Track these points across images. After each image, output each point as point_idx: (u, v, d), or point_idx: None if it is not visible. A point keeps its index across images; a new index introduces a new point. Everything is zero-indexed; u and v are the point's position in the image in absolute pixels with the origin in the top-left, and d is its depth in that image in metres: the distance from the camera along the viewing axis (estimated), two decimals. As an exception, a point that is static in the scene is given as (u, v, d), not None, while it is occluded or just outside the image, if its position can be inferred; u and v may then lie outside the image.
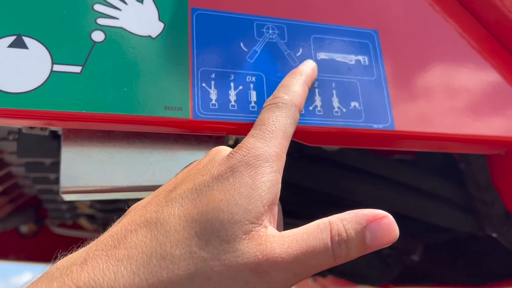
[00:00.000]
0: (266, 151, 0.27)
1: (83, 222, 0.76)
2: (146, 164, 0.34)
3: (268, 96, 0.35)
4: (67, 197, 0.33)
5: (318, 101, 0.36)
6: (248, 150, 0.27)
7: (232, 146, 0.37)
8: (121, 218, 0.27)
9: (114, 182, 0.33)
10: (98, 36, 0.33)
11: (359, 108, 0.37)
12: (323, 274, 0.82)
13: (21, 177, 0.60)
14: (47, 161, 0.46)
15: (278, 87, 0.33)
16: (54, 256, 0.25)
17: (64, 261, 0.24)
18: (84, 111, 0.31)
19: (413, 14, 0.43)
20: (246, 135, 0.35)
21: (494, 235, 0.56)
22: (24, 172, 0.55)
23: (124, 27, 0.34)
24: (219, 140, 0.36)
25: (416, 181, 0.55)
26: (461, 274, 0.68)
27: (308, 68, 0.35)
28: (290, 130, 0.30)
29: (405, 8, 0.43)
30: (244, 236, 0.24)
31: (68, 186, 0.32)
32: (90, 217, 0.75)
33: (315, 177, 0.53)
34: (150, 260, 0.23)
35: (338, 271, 0.80)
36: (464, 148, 0.42)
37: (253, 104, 0.35)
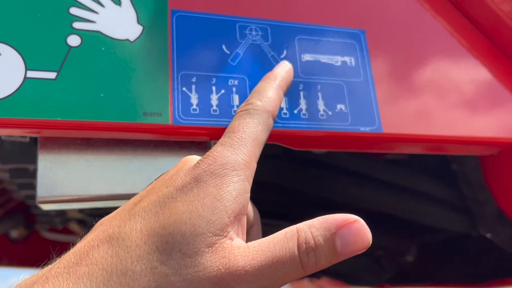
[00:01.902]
0: (234, 159, 0.27)
1: (74, 226, 0.75)
2: (125, 171, 0.33)
3: (251, 99, 0.34)
4: (45, 207, 0.32)
5: (303, 104, 0.35)
6: (215, 158, 0.26)
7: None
8: (87, 234, 0.26)
9: (93, 190, 0.32)
10: (74, 40, 0.32)
11: (345, 110, 0.36)
12: (317, 275, 0.82)
13: (7, 182, 0.59)
14: (31, 167, 0.45)
15: (251, 92, 0.32)
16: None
17: (28, 280, 0.23)
18: (59, 118, 0.30)
19: (401, 12, 0.42)
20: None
21: (488, 235, 0.55)
22: (9, 177, 0.54)
23: (101, 31, 0.33)
24: (202, 146, 0.35)
25: (409, 182, 0.54)
26: (456, 273, 0.67)
27: (283, 70, 0.34)
28: (262, 137, 0.29)
29: (392, 7, 0.42)
30: (207, 250, 0.23)
31: (44, 196, 0.31)
32: (81, 222, 0.74)
33: (305, 179, 0.52)
34: (111, 276, 0.22)
35: (333, 272, 0.79)
36: (455, 150, 0.41)
37: (235, 108, 0.34)
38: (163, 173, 0.29)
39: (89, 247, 0.24)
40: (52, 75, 0.30)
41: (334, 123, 0.35)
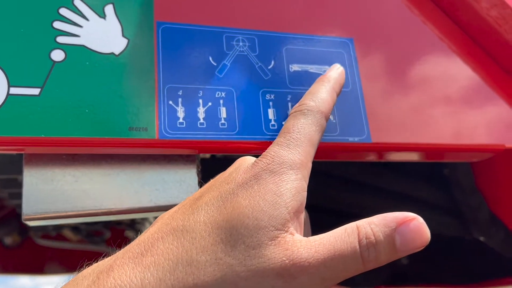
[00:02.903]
0: (291, 158, 0.27)
1: (67, 233, 0.75)
2: (113, 186, 0.33)
3: (239, 112, 0.34)
4: (31, 223, 0.32)
5: (291, 115, 0.35)
6: (272, 158, 0.27)
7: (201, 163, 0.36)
8: (149, 227, 0.27)
9: (79, 206, 0.32)
10: (57, 55, 0.31)
11: (334, 121, 0.36)
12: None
13: (-1, 191, 0.59)
14: (20, 177, 0.45)
15: (305, 94, 0.33)
16: (79, 266, 0.26)
17: (90, 269, 0.24)
18: (43, 135, 0.29)
19: (390, 19, 0.42)
20: (217, 152, 0.34)
21: (482, 238, 0.55)
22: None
23: (86, 45, 0.32)
24: (190, 158, 0.35)
25: (401, 188, 0.54)
26: (450, 274, 0.67)
27: (335, 73, 0.35)
28: (316, 138, 0.30)
29: (381, 14, 0.41)
30: (270, 242, 0.24)
31: (30, 213, 0.31)
32: (74, 228, 0.74)
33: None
34: (177, 266, 0.23)
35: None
36: (445, 158, 0.41)
37: (223, 121, 0.33)
38: (220, 173, 0.29)
39: (154, 239, 0.24)
40: (35, 91, 0.30)
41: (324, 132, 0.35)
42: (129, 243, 0.26)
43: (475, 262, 0.64)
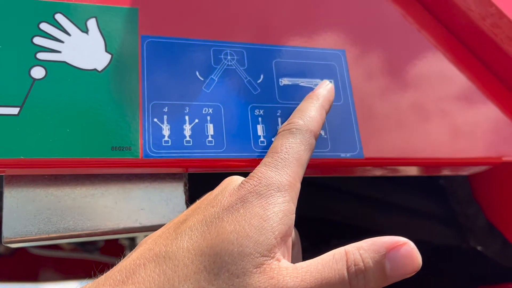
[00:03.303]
0: (278, 180, 0.26)
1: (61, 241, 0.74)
2: (96, 206, 0.32)
3: (227, 129, 0.33)
4: (13, 246, 0.31)
5: (281, 131, 0.34)
6: (259, 179, 0.26)
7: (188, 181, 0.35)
8: (131, 252, 0.26)
9: (61, 228, 0.31)
10: (38, 72, 0.30)
11: (325, 136, 0.35)
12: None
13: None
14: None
15: (294, 112, 0.32)
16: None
17: None
18: (23, 157, 0.28)
19: (383, 30, 0.40)
20: (204, 171, 0.33)
21: (479, 248, 0.55)
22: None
23: (67, 61, 0.31)
24: (177, 176, 0.34)
25: (397, 198, 0.53)
26: (447, 279, 0.67)
27: (325, 90, 0.34)
28: (305, 157, 0.29)
29: (374, 24, 0.40)
30: (255, 270, 0.23)
31: (10, 236, 0.30)
32: (67, 237, 0.73)
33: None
34: None
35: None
36: (441, 172, 0.40)
37: (210, 138, 0.32)
38: (206, 194, 0.29)
39: (135, 265, 0.24)
40: (14, 110, 0.29)
41: (313, 150, 0.34)
42: (113, 266, 0.25)
43: (472, 269, 0.63)
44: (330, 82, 0.35)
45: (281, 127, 0.31)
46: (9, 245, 0.31)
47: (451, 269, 0.65)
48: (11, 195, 0.31)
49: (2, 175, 0.35)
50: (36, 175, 0.31)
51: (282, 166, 0.27)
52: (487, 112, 0.40)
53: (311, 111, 0.31)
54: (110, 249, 0.82)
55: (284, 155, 0.28)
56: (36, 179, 0.31)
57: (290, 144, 0.29)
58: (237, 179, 0.28)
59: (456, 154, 0.38)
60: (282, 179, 0.27)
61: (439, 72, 0.40)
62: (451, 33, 0.42)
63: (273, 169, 0.27)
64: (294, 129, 0.30)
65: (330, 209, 0.53)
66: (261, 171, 0.27)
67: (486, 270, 0.60)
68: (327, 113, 0.33)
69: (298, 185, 0.28)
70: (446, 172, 0.40)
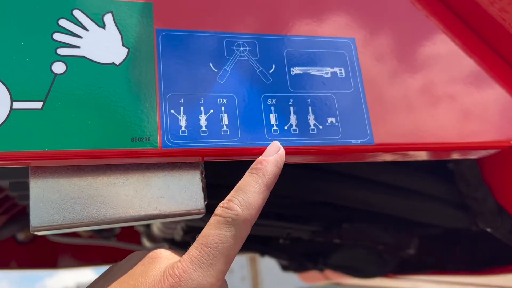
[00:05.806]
0: (200, 283, 0.26)
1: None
2: (118, 195, 0.33)
3: (241, 118, 0.34)
4: (40, 234, 0.33)
5: (293, 120, 0.35)
6: (180, 280, 0.26)
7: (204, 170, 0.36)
8: None
9: (85, 216, 0.32)
10: (58, 67, 0.31)
11: (336, 124, 0.36)
12: (320, 268, 0.82)
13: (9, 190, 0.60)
14: (28, 180, 0.46)
15: (235, 188, 0.30)
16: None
17: None
18: (47, 149, 0.30)
19: (392, 17, 0.41)
20: (220, 159, 0.34)
21: (488, 229, 0.55)
22: (9, 190, 0.55)
23: (86, 56, 0.32)
24: (194, 165, 0.35)
25: (406, 182, 0.54)
26: (457, 261, 0.68)
27: (273, 164, 0.31)
28: (234, 253, 0.28)
29: (383, 12, 0.41)
30: None
31: (37, 225, 0.31)
32: (84, 224, 0.75)
33: (299, 181, 0.52)
34: None
35: (335, 265, 0.79)
36: (451, 156, 0.41)
37: (225, 128, 0.33)
38: (131, 257, 0.29)
39: None
40: (38, 105, 0.30)
41: (325, 138, 0.35)
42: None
43: (482, 251, 0.64)
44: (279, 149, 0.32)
45: (218, 207, 0.29)
46: (36, 233, 0.32)
47: (461, 251, 0.66)
48: (37, 185, 0.32)
49: (27, 167, 0.37)
50: (59, 166, 0.33)
51: (208, 264, 0.27)
52: (496, 96, 0.41)
53: (253, 195, 0.30)
54: (126, 235, 0.84)
55: (213, 251, 0.27)
56: (59, 170, 0.33)
57: (221, 238, 0.28)
58: (161, 263, 0.28)
59: (465, 138, 0.38)
60: (204, 281, 0.26)
61: (447, 58, 0.41)
62: (460, 18, 0.42)
63: (198, 268, 0.27)
64: (230, 220, 0.28)
65: (341, 194, 0.54)
66: (184, 268, 0.27)
67: (495, 252, 0.61)
68: (271, 189, 0.31)
69: (221, 283, 0.28)
70: (455, 156, 0.41)
